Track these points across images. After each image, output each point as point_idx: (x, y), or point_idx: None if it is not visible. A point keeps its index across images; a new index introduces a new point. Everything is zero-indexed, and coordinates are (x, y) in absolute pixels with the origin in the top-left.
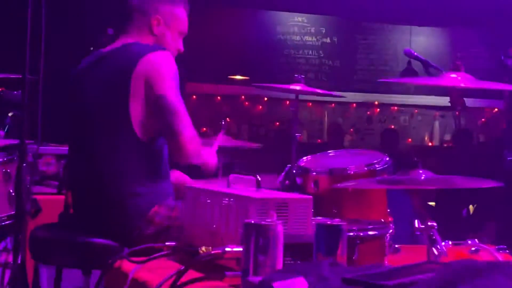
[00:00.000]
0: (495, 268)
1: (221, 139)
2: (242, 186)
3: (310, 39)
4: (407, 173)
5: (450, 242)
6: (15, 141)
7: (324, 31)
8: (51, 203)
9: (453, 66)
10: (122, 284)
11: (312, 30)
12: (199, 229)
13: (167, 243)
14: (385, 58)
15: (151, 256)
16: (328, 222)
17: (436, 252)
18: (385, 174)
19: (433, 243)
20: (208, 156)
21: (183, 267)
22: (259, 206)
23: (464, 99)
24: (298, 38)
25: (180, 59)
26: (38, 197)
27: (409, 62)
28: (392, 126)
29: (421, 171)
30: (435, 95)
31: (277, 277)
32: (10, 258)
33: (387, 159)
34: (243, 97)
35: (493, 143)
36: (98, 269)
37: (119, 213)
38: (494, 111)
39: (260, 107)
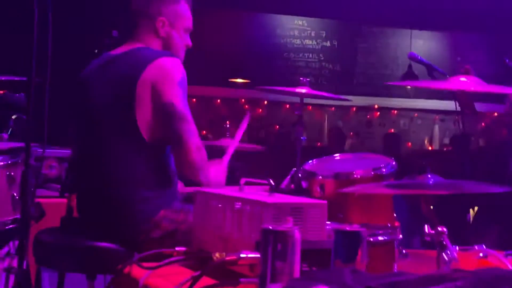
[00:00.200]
0: None
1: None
2: (254, 190)
3: (310, 42)
4: (415, 177)
5: (457, 248)
6: (20, 144)
7: (324, 35)
8: (53, 206)
9: (462, 69)
10: None
11: (313, 33)
12: (209, 234)
13: (177, 248)
14: (385, 61)
15: (163, 262)
16: (347, 228)
17: (446, 258)
18: (391, 178)
19: (444, 249)
20: (215, 174)
21: (197, 273)
22: (274, 211)
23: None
24: (298, 41)
25: None
26: (40, 200)
27: (409, 66)
28: (392, 130)
29: (429, 176)
30: (435, 99)
31: (298, 285)
32: (14, 263)
33: (394, 163)
34: (243, 100)
35: (493, 148)
36: (104, 274)
37: (125, 218)
38: (494, 115)
39: (260, 110)
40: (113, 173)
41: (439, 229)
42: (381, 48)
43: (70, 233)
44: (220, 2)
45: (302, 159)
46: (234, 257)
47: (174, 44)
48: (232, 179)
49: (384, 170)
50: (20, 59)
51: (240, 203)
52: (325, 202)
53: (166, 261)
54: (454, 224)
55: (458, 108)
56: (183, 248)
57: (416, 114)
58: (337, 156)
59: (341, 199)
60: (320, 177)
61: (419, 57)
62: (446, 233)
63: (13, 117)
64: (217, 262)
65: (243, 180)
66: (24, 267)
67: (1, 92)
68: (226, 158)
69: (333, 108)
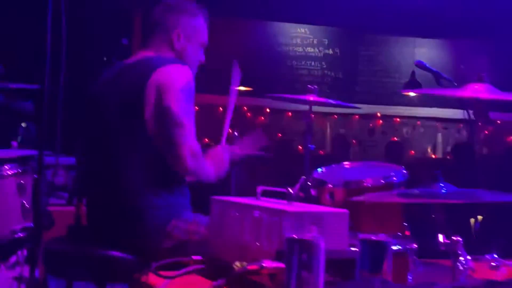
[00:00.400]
0: None
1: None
2: (271, 198)
3: (312, 50)
4: (428, 186)
5: (468, 257)
6: (31, 152)
7: (326, 43)
8: (60, 214)
9: (477, 77)
10: None
11: (315, 41)
12: (227, 243)
13: (193, 257)
14: (388, 69)
15: (182, 271)
16: (373, 238)
17: (461, 268)
18: (402, 187)
19: (458, 258)
20: (213, 171)
21: (218, 283)
22: (294, 220)
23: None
24: (300, 49)
25: None
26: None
27: (412, 74)
28: (395, 138)
29: (442, 184)
30: (438, 107)
31: None
32: (23, 272)
33: (404, 171)
34: (245, 108)
35: (496, 156)
36: (114, 283)
37: (136, 226)
38: (496, 123)
39: (262, 118)
40: (123, 181)
41: (454, 238)
42: (383, 56)
43: (80, 242)
44: (221, 10)
45: (304, 166)
46: (256, 267)
47: (188, 58)
48: (236, 187)
49: (394, 178)
50: (28, 67)
51: (258, 212)
52: (346, 211)
53: (185, 270)
54: (459, 233)
55: (467, 116)
56: (199, 257)
57: (419, 122)
58: (346, 164)
59: (351, 208)
60: (330, 185)
61: (426, 65)
62: (461, 242)
63: (23, 125)
64: (239, 272)
65: (260, 189)
66: (37, 277)
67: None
68: (223, 140)
69: (335, 116)
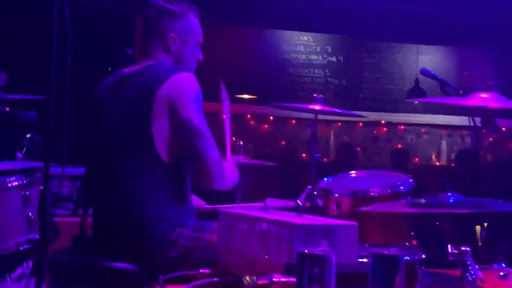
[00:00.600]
0: None
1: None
2: (279, 210)
3: (315, 58)
4: (435, 196)
5: (476, 266)
6: (36, 164)
7: (330, 50)
8: (65, 225)
9: (484, 86)
10: None
11: (318, 49)
12: (235, 256)
13: (201, 270)
14: (391, 76)
15: (192, 285)
16: (385, 252)
17: (470, 278)
18: (408, 196)
19: (467, 268)
20: (231, 179)
21: None
22: (304, 233)
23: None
24: (304, 57)
25: None
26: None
27: (416, 81)
28: (399, 145)
29: (449, 194)
30: (442, 114)
31: None
32: (30, 284)
33: (411, 180)
34: (249, 116)
35: (501, 163)
36: None
37: (141, 237)
38: (502, 130)
39: (266, 126)
40: (128, 192)
41: (463, 248)
42: (387, 63)
43: (86, 253)
44: (225, 18)
45: (309, 175)
46: (266, 281)
47: (186, 60)
48: (241, 197)
49: (401, 188)
50: (33, 77)
51: (266, 224)
52: (355, 223)
53: (194, 284)
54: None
55: (472, 124)
56: (207, 270)
57: (423, 130)
58: (352, 173)
59: (358, 218)
60: (337, 195)
61: (431, 73)
62: (470, 252)
63: (27, 136)
64: (247, 286)
65: (268, 200)
66: None
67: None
68: (228, 151)
69: (339, 123)
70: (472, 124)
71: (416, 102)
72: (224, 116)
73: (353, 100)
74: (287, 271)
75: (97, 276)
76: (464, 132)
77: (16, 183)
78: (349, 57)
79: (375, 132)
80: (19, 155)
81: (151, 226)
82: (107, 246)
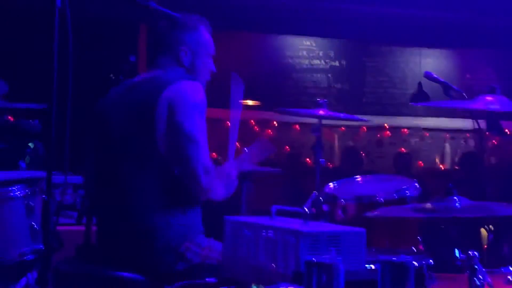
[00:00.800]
0: None
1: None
2: (285, 218)
3: (318, 62)
4: (442, 200)
5: (483, 270)
6: (39, 173)
7: (332, 55)
8: (69, 234)
9: (488, 89)
10: None
11: (320, 53)
12: (241, 264)
13: (207, 279)
14: (394, 80)
15: None
16: (394, 259)
17: (478, 283)
18: (414, 201)
19: (475, 273)
20: (224, 189)
21: None
22: (310, 240)
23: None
24: (306, 62)
25: None
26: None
27: (419, 85)
28: (403, 149)
29: (456, 198)
30: (445, 117)
31: None
32: None
33: (417, 185)
34: (252, 121)
35: (505, 166)
36: None
37: (147, 246)
38: (506, 133)
39: (270, 131)
40: (133, 199)
41: (470, 253)
42: (390, 67)
43: (91, 263)
44: (227, 24)
45: (313, 180)
46: None
47: (198, 72)
48: (246, 203)
49: (407, 192)
50: (35, 86)
51: (273, 232)
52: (363, 229)
53: None
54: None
55: (476, 127)
56: (213, 280)
57: (427, 133)
58: (358, 178)
59: (364, 223)
60: (342, 200)
61: (434, 76)
62: (478, 257)
63: (30, 145)
64: None
65: (274, 208)
66: None
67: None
68: (230, 156)
69: (343, 128)
70: (476, 127)
71: (419, 105)
72: (230, 122)
73: (356, 104)
74: (294, 279)
75: (102, 286)
76: (468, 135)
77: (19, 193)
78: (352, 62)
79: (378, 136)
80: (22, 164)
81: (156, 234)
82: (112, 255)
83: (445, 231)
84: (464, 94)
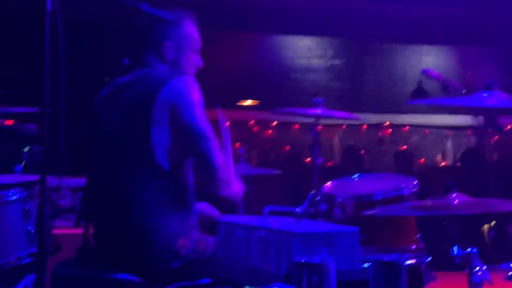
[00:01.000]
0: None
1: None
2: (278, 218)
3: (317, 61)
4: (440, 197)
5: (484, 267)
6: (34, 177)
7: (331, 53)
8: (68, 237)
9: (485, 85)
10: None
11: (320, 52)
12: (234, 265)
13: (202, 281)
14: (394, 78)
15: None
16: (386, 259)
17: (477, 280)
18: (413, 198)
19: (474, 270)
20: (238, 188)
21: None
22: (303, 240)
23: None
24: (305, 61)
25: None
26: (54, 231)
27: (419, 82)
28: (404, 147)
29: (454, 195)
30: (447, 114)
31: None
32: None
33: (415, 182)
34: (252, 122)
35: (507, 162)
36: None
37: (143, 247)
38: (507, 128)
39: (270, 131)
40: (128, 201)
41: (469, 250)
42: (390, 65)
43: (88, 265)
44: (225, 24)
45: (315, 180)
46: None
47: (181, 68)
48: (246, 204)
49: (405, 190)
50: (30, 89)
51: (265, 233)
52: (356, 228)
53: None
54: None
55: (476, 123)
56: (208, 280)
57: (427, 130)
58: (355, 176)
59: (362, 222)
60: (340, 199)
61: (433, 73)
62: (476, 253)
63: (26, 149)
64: None
65: (267, 209)
66: None
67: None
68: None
69: (343, 126)
70: (475, 123)
71: (419, 103)
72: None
73: (357, 103)
74: (287, 280)
75: None
76: (469, 132)
77: (16, 196)
78: (351, 60)
79: (379, 134)
80: (18, 168)
81: (152, 236)
82: (109, 257)
83: (446, 228)
84: (462, 90)
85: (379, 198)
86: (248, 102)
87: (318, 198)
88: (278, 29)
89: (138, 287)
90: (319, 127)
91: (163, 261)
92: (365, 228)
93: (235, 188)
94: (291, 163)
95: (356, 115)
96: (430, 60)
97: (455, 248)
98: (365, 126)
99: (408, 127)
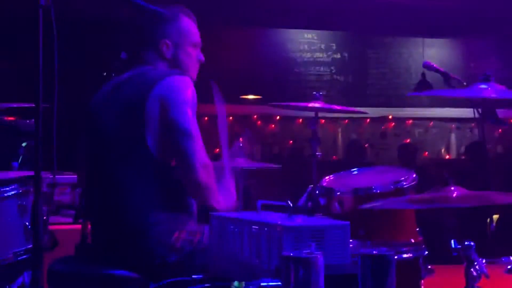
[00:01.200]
0: None
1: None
2: (271, 212)
3: (320, 55)
4: (438, 190)
5: (483, 261)
6: (30, 173)
7: (334, 47)
8: (67, 233)
9: (483, 76)
10: None
11: (323, 46)
12: (227, 260)
13: (194, 276)
14: (397, 71)
15: None
16: (374, 252)
17: (475, 274)
18: (412, 191)
19: (472, 263)
20: (225, 197)
21: None
22: (294, 235)
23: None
24: (308, 55)
25: None
26: (54, 227)
27: (423, 75)
28: (408, 140)
29: (453, 188)
30: (450, 106)
31: None
32: None
33: (414, 175)
34: (255, 116)
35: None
36: None
37: (140, 243)
38: (511, 121)
39: (273, 126)
40: (125, 198)
41: (466, 243)
42: (393, 58)
43: (85, 262)
44: (228, 19)
45: (318, 174)
46: (254, 287)
47: (182, 64)
48: (247, 198)
49: (404, 183)
50: (28, 85)
51: (257, 227)
52: (347, 222)
53: None
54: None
55: (476, 115)
56: (199, 276)
57: (431, 123)
58: (354, 170)
59: (361, 216)
60: (338, 193)
61: (434, 66)
62: (474, 247)
63: (23, 144)
64: None
65: (260, 203)
66: None
67: (11, 118)
68: (227, 172)
69: (346, 120)
70: (476, 116)
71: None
72: (219, 119)
73: (360, 96)
74: (277, 275)
75: (95, 285)
76: (473, 124)
77: (12, 192)
78: (354, 53)
79: (383, 127)
80: (15, 164)
81: (149, 231)
82: (106, 254)
83: (444, 222)
84: (464, 82)
85: (377, 192)
86: (250, 97)
87: (317, 192)
88: (280, 24)
89: (135, 282)
90: (322, 121)
91: (159, 256)
92: (364, 222)
93: (219, 198)
94: (294, 157)
95: (356, 109)
96: (433, 52)
97: (452, 242)
98: (368, 119)
99: (411, 120)
